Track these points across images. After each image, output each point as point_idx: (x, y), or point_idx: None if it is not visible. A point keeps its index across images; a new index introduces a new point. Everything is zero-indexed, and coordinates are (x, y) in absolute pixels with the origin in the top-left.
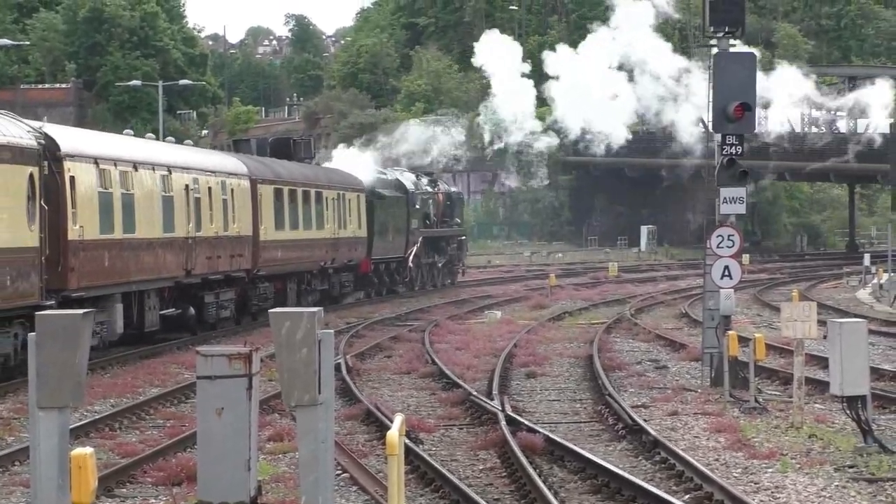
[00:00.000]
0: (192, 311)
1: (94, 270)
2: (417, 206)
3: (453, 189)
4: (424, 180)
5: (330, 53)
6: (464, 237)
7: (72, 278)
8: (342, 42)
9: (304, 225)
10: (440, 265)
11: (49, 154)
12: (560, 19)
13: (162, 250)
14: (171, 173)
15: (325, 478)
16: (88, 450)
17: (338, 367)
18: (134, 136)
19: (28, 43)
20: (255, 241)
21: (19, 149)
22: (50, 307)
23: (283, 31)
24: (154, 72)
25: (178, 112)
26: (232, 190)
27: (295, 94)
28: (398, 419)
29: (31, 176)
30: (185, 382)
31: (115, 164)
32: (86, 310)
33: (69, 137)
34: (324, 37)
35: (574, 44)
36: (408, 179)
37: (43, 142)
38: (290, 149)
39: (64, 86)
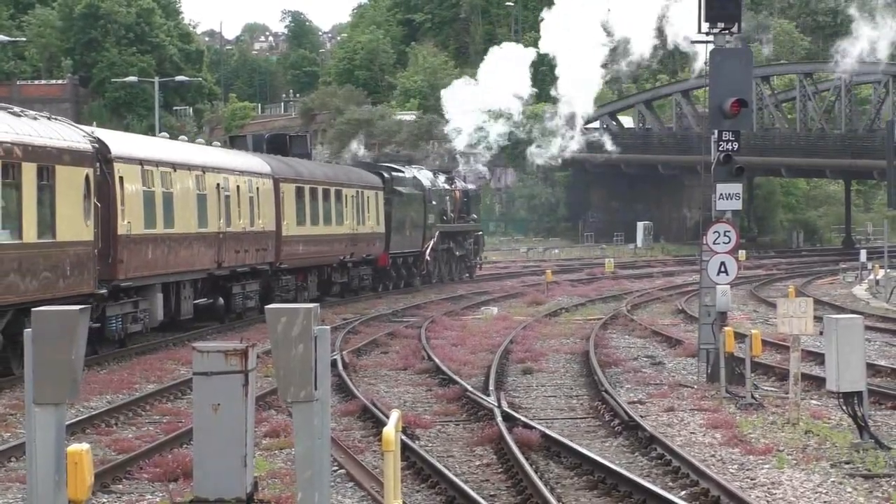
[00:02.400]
0: (221, 300)
1: (139, 262)
2: (434, 203)
3: (470, 186)
4: (442, 178)
5: (326, 50)
6: (480, 232)
7: (120, 269)
8: (338, 38)
9: (324, 221)
10: (457, 259)
11: (101, 157)
12: None
13: (196, 244)
14: (204, 173)
15: (322, 474)
16: (85, 446)
17: (334, 364)
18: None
19: (24, 39)
20: (278, 236)
21: (77, 152)
22: (102, 296)
23: (279, 27)
24: (150, 68)
25: (175, 108)
26: (257, 188)
27: (291, 91)
28: (394, 415)
29: (87, 177)
30: (181, 378)
31: (157, 166)
32: (82, 306)
33: (118, 141)
34: (320, 33)
35: None
36: (425, 177)
37: (96, 145)
38: (286, 145)
39: (60, 82)
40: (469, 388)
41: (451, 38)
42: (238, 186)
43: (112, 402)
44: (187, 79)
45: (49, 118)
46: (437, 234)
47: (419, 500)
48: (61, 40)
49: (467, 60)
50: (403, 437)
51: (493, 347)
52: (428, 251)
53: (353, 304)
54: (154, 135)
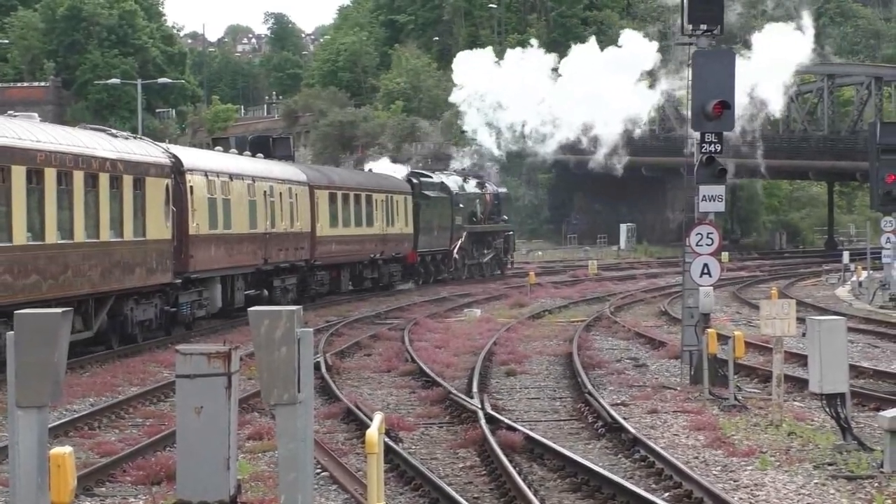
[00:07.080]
0: (265, 293)
1: (205, 258)
2: (461, 206)
3: (501, 190)
4: (472, 182)
5: (309, 52)
6: (511, 232)
7: (191, 263)
8: (321, 40)
9: (356, 223)
10: (487, 257)
11: (176, 169)
12: (539, 17)
13: (247, 243)
14: (254, 182)
15: (305, 476)
16: (67, 449)
17: (317, 366)
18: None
19: (6, 41)
20: (313, 237)
21: (160, 165)
22: (177, 285)
23: (262, 29)
24: (133, 70)
25: (157, 110)
26: (296, 194)
27: (274, 93)
28: (377, 418)
29: (167, 186)
30: (164, 381)
31: (218, 176)
32: (64, 309)
33: (189, 156)
34: (303, 35)
35: (552, 42)
36: (453, 182)
37: (173, 160)
38: (268, 147)
39: (43, 84)
40: (452, 390)
41: (434, 39)
42: (280, 193)
43: (95, 404)
44: (170, 81)
45: (135, 137)
46: (464, 234)
47: (402, 503)
48: (44, 42)
49: (450, 62)
50: (387, 440)
51: (476, 349)
52: (455, 250)
53: (336, 306)
54: (136, 137)
